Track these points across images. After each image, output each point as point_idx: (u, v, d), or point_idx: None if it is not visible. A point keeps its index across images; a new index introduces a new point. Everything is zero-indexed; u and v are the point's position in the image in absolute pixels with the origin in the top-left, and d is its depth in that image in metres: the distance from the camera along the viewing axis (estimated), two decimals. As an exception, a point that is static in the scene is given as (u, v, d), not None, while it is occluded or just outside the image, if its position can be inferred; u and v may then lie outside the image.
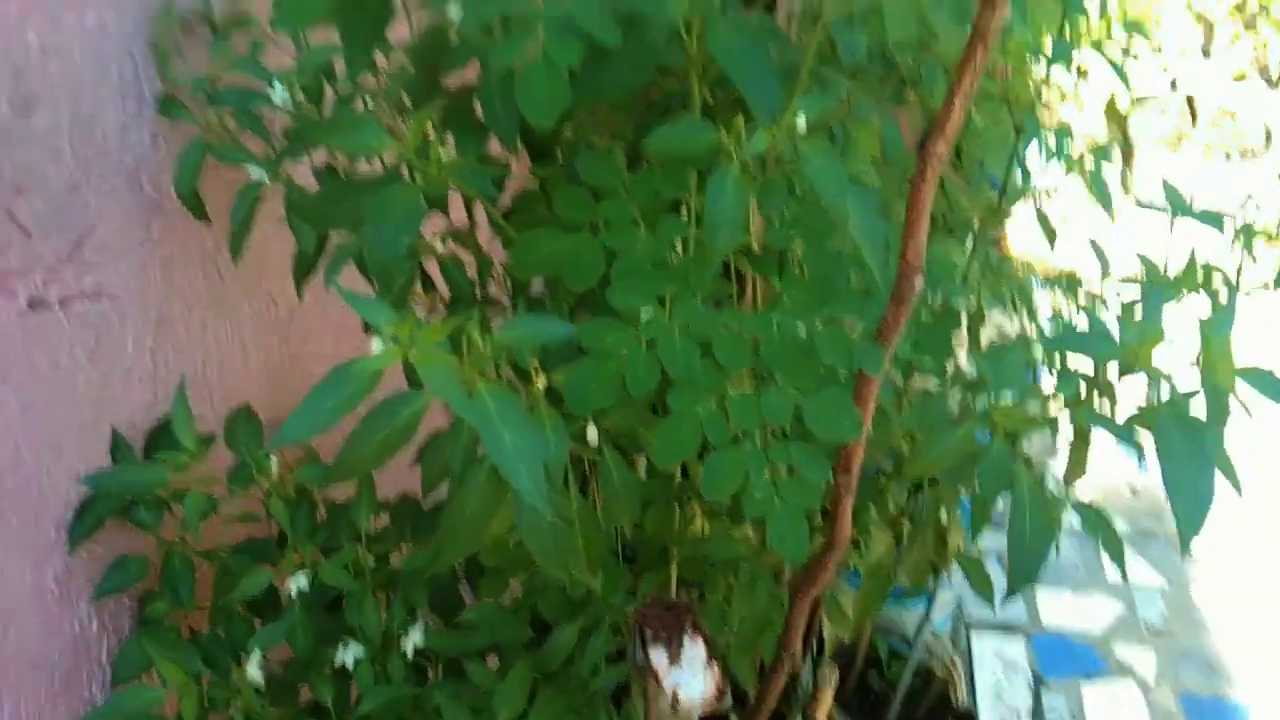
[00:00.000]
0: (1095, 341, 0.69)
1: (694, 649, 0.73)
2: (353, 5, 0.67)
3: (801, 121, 0.68)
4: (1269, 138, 3.94)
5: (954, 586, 1.88)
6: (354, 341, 1.23)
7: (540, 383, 0.70)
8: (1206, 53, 3.84)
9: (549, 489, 0.68)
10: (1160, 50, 3.80)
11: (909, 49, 1.29)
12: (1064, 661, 2.02)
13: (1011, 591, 0.79)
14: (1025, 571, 0.76)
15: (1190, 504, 0.63)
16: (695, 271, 0.76)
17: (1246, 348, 0.84)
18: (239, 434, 0.92)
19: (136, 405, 0.97)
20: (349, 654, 0.81)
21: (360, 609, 0.83)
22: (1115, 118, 4.39)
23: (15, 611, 0.87)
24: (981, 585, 1.02)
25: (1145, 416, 0.71)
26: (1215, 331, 0.69)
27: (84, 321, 0.89)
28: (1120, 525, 2.25)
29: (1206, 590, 2.19)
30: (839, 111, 1.18)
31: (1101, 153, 1.22)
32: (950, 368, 1.14)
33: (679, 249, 0.82)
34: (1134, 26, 1.19)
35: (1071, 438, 1.06)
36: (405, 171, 0.76)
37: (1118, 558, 0.90)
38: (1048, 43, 1.20)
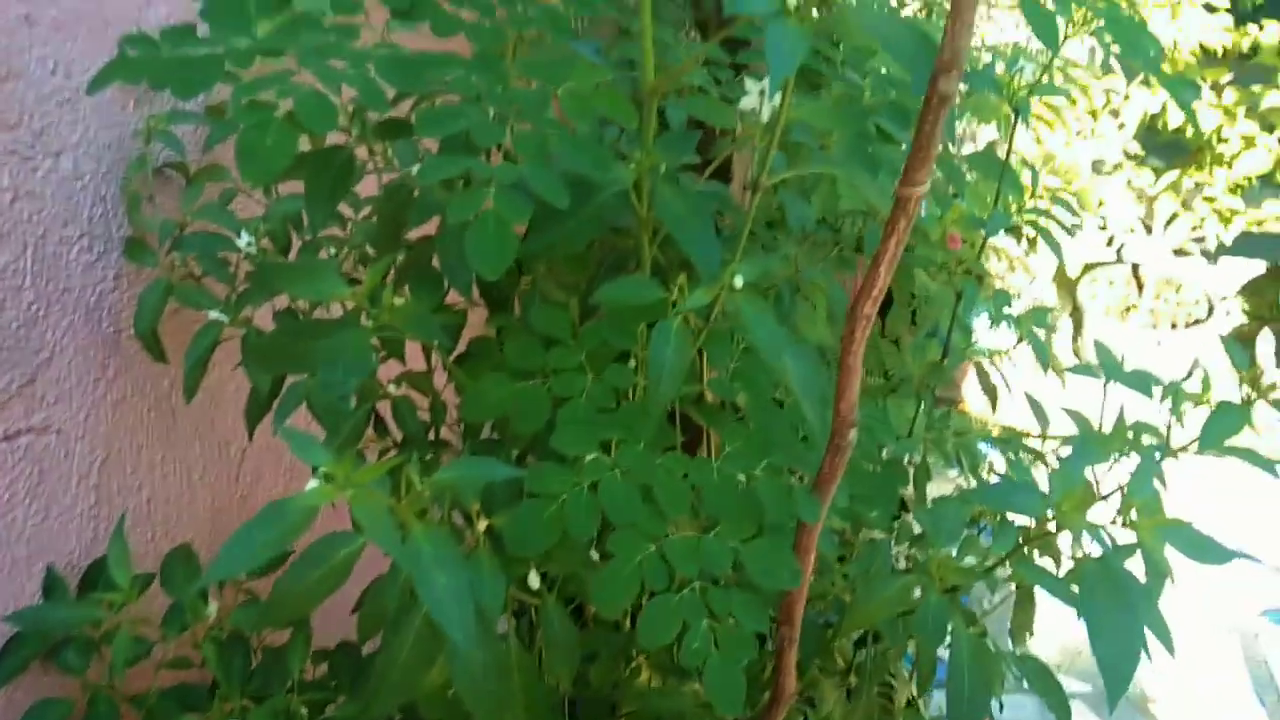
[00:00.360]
0: (1020, 496, 0.71)
1: (628, 806, 0.71)
2: (317, 162, 0.71)
3: (739, 280, 0.72)
4: (1211, 308, 4.10)
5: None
6: (305, 484, 1.22)
7: (481, 525, 0.71)
8: (1148, 228, 4.03)
9: (484, 634, 0.68)
10: (1105, 225, 3.99)
11: (854, 216, 1.36)
12: (1026, 831, 1.96)
13: (952, 749, 0.78)
14: (965, 727, 0.76)
15: (1116, 661, 0.64)
16: (639, 418, 0.78)
17: (1187, 508, 0.86)
18: (176, 574, 0.91)
19: (76, 543, 0.96)
20: (273, 809, 0.78)
21: (288, 760, 0.80)
22: (1065, 285, 4.55)
23: (-78, 759, 0.83)
24: (927, 744, 1.00)
25: (1075, 572, 0.73)
26: (1138, 488, 0.71)
27: (28, 455, 0.89)
28: (1081, 686, 2.22)
29: (1169, 757, 2.16)
30: (787, 272, 1.23)
31: (1041, 316, 1.27)
32: (897, 521, 1.16)
33: (626, 397, 0.84)
34: (1066, 203, 1.26)
35: (1016, 594, 1.07)
36: (362, 318, 0.78)
37: (1062, 714, 0.89)
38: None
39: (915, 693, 1.06)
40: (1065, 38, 1.08)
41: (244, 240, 0.98)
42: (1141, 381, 0.95)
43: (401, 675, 0.70)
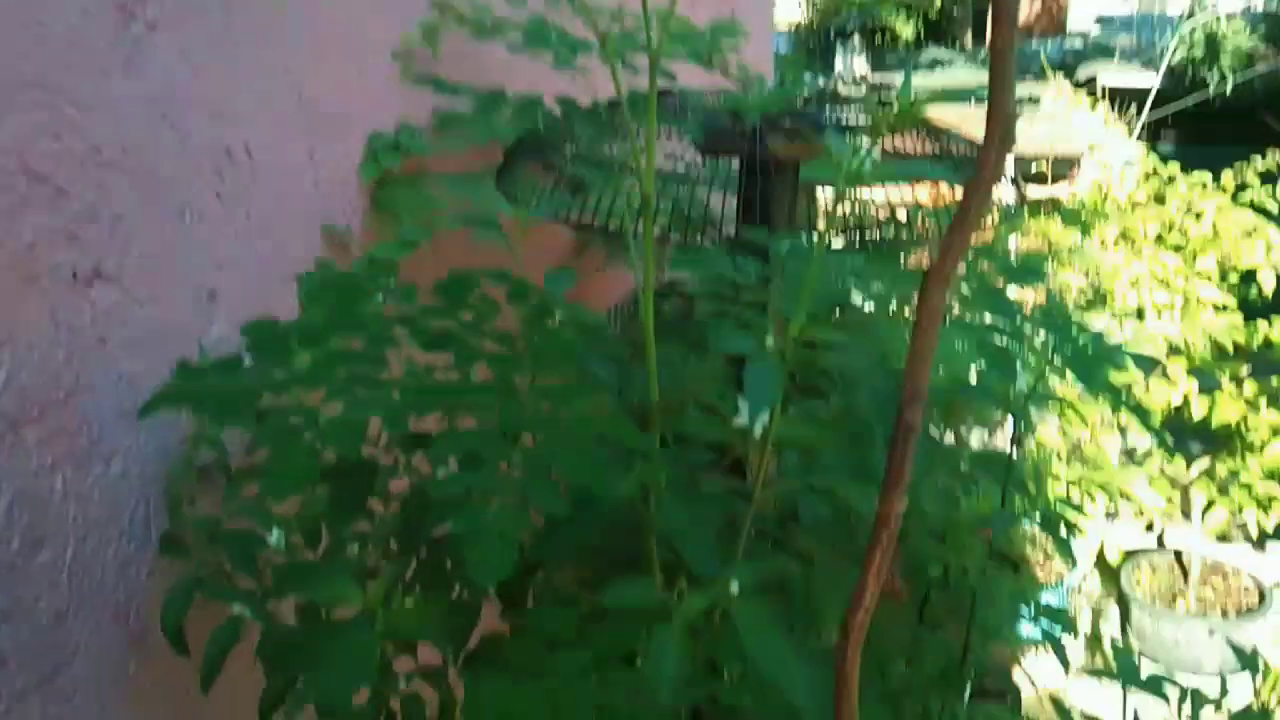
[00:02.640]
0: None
1: None
2: (341, 474, 0.77)
3: (735, 586, 0.74)
4: (1263, 595, 3.96)
5: None
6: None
7: (475, 841, 0.70)
8: (1186, 515, 4.00)
9: None
10: (1141, 512, 3.96)
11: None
12: None
13: None
14: None
15: None
16: (640, 726, 0.78)
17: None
18: None
19: None
20: None
21: None
22: (1107, 572, 4.44)
23: None
24: None
25: None
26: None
27: (39, 754, 0.90)
28: None
29: None
30: (800, 568, 1.25)
31: (1061, 615, 1.26)
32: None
33: (632, 699, 0.85)
34: (1075, 505, 1.29)
35: None
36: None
37: None
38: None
39: None
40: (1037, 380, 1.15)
41: (274, 537, 1.03)
42: (1157, 687, 0.93)
43: None
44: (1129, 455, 3.83)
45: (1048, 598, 3.57)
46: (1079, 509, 1.27)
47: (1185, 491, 3.87)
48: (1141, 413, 0.73)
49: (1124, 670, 1.00)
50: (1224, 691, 0.93)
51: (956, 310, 0.70)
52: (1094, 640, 3.77)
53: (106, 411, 0.97)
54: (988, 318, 0.66)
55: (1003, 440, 3.49)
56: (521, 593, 1.02)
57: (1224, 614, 3.86)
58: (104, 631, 0.97)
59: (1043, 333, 0.69)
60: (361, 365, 0.70)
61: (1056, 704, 1.18)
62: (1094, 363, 0.68)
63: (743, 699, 0.91)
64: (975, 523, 1.25)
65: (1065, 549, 1.15)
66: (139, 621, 1.02)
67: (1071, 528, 1.21)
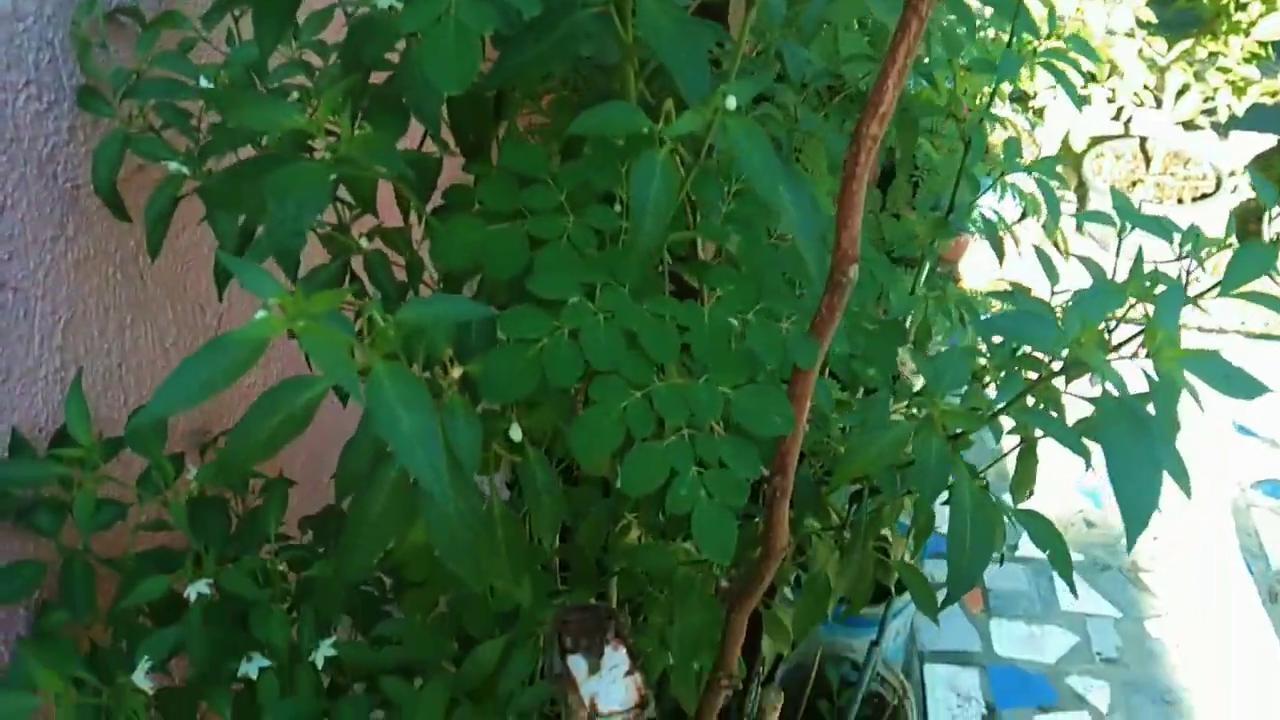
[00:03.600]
0: (1036, 328, 0.66)
1: (615, 657, 0.69)
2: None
3: (732, 102, 0.66)
4: (1220, 182, 4.00)
5: (907, 615, 1.85)
6: (283, 347, 1.18)
7: (455, 372, 0.67)
8: (1158, 101, 3.91)
9: (460, 484, 0.64)
10: (1113, 98, 3.87)
11: (857, 65, 1.29)
12: (1017, 692, 1.99)
13: (951, 598, 0.75)
14: (966, 577, 0.73)
15: (1136, 500, 0.60)
16: (623, 261, 0.73)
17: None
18: (143, 434, 0.87)
19: (41, 406, 0.92)
20: (252, 666, 0.76)
21: (264, 619, 0.77)
22: (1071, 160, 4.42)
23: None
24: (923, 596, 0.98)
25: (1092, 418, 0.69)
26: (1163, 318, 0.67)
27: (-19, 313, 0.84)
28: (1075, 556, 2.23)
29: (1161, 622, 2.18)
30: (786, 123, 1.17)
31: (1049, 165, 1.20)
32: (896, 381, 1.12)
33: (611, 240, 0.79)
34: (1083, 43, 1.18)
35: (1019, 450, 1.04)
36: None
37: (1065, 571, 0.87)
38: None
39: (912, 549, 1.04)
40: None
41: (204, 83, 0.92)
42: (1160, 226, 0.90)
43: (373, 532, 0.67)
44: (1109, 35, 3.67)
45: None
46: (1077, 66, 1.17)
47: (1161, 75, 3.76)
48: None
49: (1123, 211, 0.96)
50: (1229, 232, 0.90)
51: None
52: (1044, 186, 3.84)
53: (-26, -72, 0.81)
54: None
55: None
56: (485, 143, 0.93)
57: (1179, 201, 3.91)
58: (30, 188, 0.88)
59: None
60: None
61: (1042, 256, 1.15)
62: None
63: (725, 237, 0.87)
64: (980, 67, 1.15)
65: (1073, 94, 1.07)
66: (69, 181, 0.93)
67: (1079, 71, 1.12)
